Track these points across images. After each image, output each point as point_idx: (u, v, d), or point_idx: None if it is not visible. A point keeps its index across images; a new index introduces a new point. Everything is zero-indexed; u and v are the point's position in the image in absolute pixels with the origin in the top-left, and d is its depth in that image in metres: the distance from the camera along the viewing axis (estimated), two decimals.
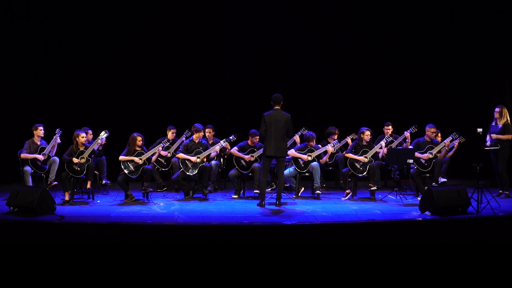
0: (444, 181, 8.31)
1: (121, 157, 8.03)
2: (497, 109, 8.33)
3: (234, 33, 10.57)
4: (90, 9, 10.22)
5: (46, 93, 10.38)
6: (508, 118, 8.24)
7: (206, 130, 9.19)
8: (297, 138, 9.17)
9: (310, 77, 10.74)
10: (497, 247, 5.70)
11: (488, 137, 8.38)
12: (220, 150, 8.92)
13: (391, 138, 8.87)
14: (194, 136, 8.48)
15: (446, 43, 10.39)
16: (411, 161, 7.98)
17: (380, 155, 8.44)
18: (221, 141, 8.63)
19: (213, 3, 10.48)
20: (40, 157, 8.31)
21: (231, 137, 8.74)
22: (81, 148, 8.04)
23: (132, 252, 5.59)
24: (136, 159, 8.00)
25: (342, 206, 7.71)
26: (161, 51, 10.55)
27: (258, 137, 8.64)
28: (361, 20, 10.53)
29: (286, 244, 5.83)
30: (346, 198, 8.32)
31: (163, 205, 7.80)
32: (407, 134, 8.87)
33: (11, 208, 7.10)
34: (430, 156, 8.24)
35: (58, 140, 8.42)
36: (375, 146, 8.40)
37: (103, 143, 8.64)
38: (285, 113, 7.58)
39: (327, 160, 8.73)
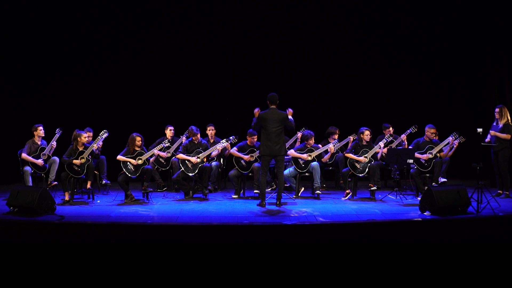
0: (444, 181, 8.29)
1: (119, 157, 8.02)
2: (496, 109, 8.34)
3: (234, 32, 10.56)
4: (90, 10, 10.21)
5: (46, 93, 10.37)
6: (509, 118, 8.24)
7: (208, 128, 9.19)
8: (299, 136, 9.16)
9: (310, 77, 10.72)
10: (497, 247, 5.70)
11: (488, 135, 8.38)
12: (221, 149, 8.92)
13: (391, 138, 8.86)
14: (193, 138, 8.49)
15: (446, 43, 10.38)
16: (411, 161, 7.98)
17: (378, 155, 8.44)
18: (221, 141, 8.62)
19: (212, 3, 10.48)
20: (40, 162, 8.30)
21: (231, 138, 8.73)
22: (81, 148, 8.04)
23: (132, 252, 5.59)
24: (133, 161, 7.99)
25: (342, 206, 7.71)
26: (161, 50, 10.53)
27: (256, 136, 8.64)
28: (361, 20, 10.51)
29: (286, 244, 5.83)
30: (346, 198, 8.32)
31: (163, 205, 7.80)
32: (403, 137, 8.83)
33: (11, 208, 7.10)
34: (430, 156, 8.24)
35: (54, 145, 8.40)
36: (375, 146, 8.40)
37: (100, 145, 8.62)
38: (281, 111, 7.57)
39: (327, 160, 8.73)
